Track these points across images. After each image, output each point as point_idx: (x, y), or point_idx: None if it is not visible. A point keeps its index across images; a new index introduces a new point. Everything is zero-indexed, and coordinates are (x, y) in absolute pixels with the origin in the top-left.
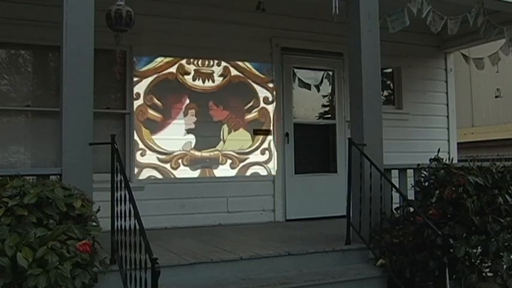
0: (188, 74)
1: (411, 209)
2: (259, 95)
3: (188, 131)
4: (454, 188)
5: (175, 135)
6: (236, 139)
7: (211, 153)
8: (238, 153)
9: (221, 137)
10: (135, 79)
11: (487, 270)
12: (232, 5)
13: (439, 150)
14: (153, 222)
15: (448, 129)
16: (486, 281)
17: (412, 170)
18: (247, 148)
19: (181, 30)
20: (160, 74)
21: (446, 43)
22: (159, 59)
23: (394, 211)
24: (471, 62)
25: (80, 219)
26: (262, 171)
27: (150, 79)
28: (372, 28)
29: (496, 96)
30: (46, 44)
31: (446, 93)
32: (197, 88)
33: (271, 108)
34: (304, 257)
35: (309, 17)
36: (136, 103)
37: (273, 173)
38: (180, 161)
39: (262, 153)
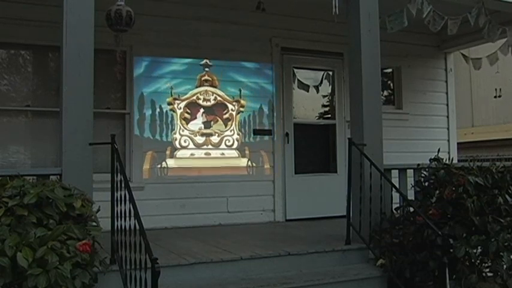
0: (200, 99)
1: (411, 209)
2: (229, 107)
3: (201, 122)
4: (454, 188)
5: (196, 124)
6: (218, 125)
7: (209, 131)
8: (219, 131)
9: (212, 125)
10: (177, 101)
11: (487, 270)
12: (232, 5)
13: (439, 150)
14: (153, 222)
15: (448, 129)
16: (486, 281)
17: (412, 170)
18: (223, 129)
19: (182, 30)
20: (190, 99)
21: (446, 43)
22: (190, 93)
23: (394, 211)
24: (470, 62)
25: (80, 219)
26: (230, 138)
27: (186, 101)
28: (371, 28)
29: (496, 96)
30: (46, 44)
31: (446, 93)
32: (204, 105)
33: (234, 113)
34: (304, 257)
35: (309, 17)
36: (180, 110)
37: (235, 140)
38: (197, 133)
39: (230, 131)
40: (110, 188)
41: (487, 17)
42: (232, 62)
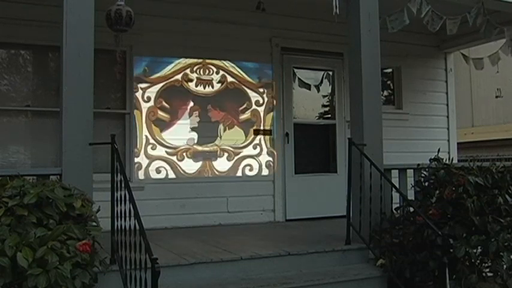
0: (191, 81)
1: (411, 209)
2: (252, 98)
3: (192, 129)
4: (454, 188)
5: (181, 133)
6: (231, 136)
7: (211, 148)
8: (233, 148)
9: (218, 134)
10: (146, 85)
11: (487, 270)
12: (232, 5)
13: (439, 150)
14: (153, 222)
15: (448, 129)
16: (486, 281)
17: (412, 170)
18: (241, 143)
19: (181, 30)
20: (168, 81)
21: (446, 43)
22: (167, 68)
23: (394, 211)
24: (470, 62)
25: (80, 219)
26: (255, 163)
27: (160, 85)
28: (371, 28)
29: (496, 96)
30: (46, 44)
31: (446, 93)
32: (199, 93)
33: (261, 109)
34: (304, 257)
35: (309, 17)
36: (147, 105)
37: (264, 164)
38: (184, 154)
39: (254, 147)
40: (110, 188)
41: (485, 17)
42: (232, 62)
